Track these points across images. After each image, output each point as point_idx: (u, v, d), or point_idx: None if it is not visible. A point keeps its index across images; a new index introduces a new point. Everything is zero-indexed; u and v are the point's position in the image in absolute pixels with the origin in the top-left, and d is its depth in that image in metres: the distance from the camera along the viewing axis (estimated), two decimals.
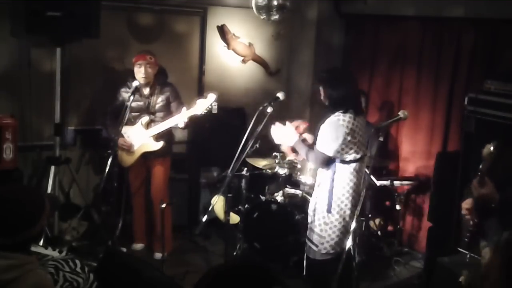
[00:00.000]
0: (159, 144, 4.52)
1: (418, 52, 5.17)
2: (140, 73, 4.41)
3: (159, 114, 4.54)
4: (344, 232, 3.64)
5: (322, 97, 3.72)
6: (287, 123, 3.90)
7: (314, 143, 3.79)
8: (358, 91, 3.88)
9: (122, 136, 4.55)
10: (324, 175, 3.71)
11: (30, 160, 4.82)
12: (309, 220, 3.81)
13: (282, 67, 6.05)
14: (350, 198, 3.61)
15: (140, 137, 4.54)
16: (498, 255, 1.77)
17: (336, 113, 3.59)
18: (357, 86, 3.90)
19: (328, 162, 3.61)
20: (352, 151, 3.59)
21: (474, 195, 2.95)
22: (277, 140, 3.87)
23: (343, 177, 3.63)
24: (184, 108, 4.37)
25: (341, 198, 3.63)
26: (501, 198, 2.86)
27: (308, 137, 4.02)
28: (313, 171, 4.68)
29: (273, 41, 5.92)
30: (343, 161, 3.60)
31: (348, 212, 3.62)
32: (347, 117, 3.55)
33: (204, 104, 4.32)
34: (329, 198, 3.64)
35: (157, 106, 4.53)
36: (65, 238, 4.67)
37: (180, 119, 4.36)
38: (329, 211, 3.63)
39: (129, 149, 4.57)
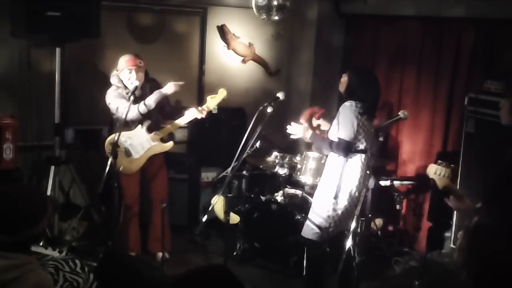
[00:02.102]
0: (170, 144, 4.49)
1: (418, 52, 5.17)
2: (132, 78, 4.25)
3: (155, 114, 4.46)
4: (347, 216, 3.83)
5: (342, 88, 3.90)
6: (302, 120, 4.03)
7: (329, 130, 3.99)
8: (378, 98, 3.97)
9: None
10: (334, 162, 3.85)
11: (30, 160, 4.81)
12: (314, 203, 3.95)
13: (282, 67, 6.05)
14: (358, 185, 3.81)
15: (145, 142, 4.42)
16: (466, 238, 1.79)
17: (349, 101, 3.76)
18: (379, 95, 3.98)
19: (347, 147, 3.74)
20: (363, 139, 3.76)
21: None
22: (294, 136, 4.01)
23: (354, 165, 3.80)
24: (193, 107, 4.41)
25: (349, 185, 3.81)
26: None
27: (323, 123, 4.16)
28: (313, 171, 4.69)
29: (273, 41, 5.92)
30: (355, 150, 3.77)
31: (354, 199, 3.82)
32: (359, 106, 3.72)
33: (215, 100, 4.39)
34: (338, 185, 3.81)
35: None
36: (65, 238, 4.67)
37: (192, 115, 4.39)
38: (336, 197, 3.79)
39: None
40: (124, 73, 4.28)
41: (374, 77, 4.03)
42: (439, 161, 3.27)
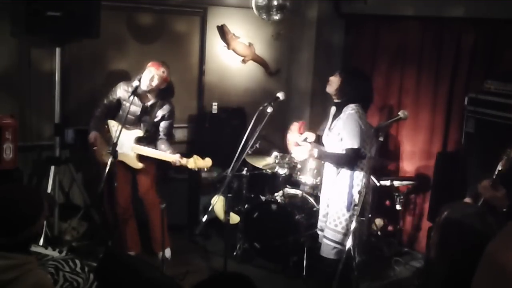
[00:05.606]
0: (139, 165, 4.44)
1: (418, 52, 5.17)
2: (146, 79, 4.28)
3: (151, 129, 4.47)
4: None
5: (335, 89, 3.86)
6: (298, 139, 3.94)
7: (317, 140, 3.97)
8: (373, 97, 4.02)
9: (98, 131, 4.51)
10: (341, 173, 3.82)
11: (30, 160, 4.82)
12: (329, 222, 3.88)
13: (282, 67, 6.05)
14: (363, 186, 3.75)
15: (125, 146, 4.40)
16: (437, 233, 1.80)
17: (351, 106, 3.73)
18: (373, 93, 4.03)
19: (358, 156, 3.74)
20: (368, 140, 3.76)
21: (484, 196, 2.91)
22: (300, 158, 3.95)
23: (359, 173, 3.79)
24: (178, 155, 4.29)
25: (356, 194, 3.76)
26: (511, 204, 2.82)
27: (309, 135, 4.11)
28: (313, 171, 4.69)
29: (273, 41, 5.92)
30: (362, 156, 3.75)
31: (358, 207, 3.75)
32: (361, 110, 3.74)
33: (198, 164, 4.27)
34: (348, 197, 3.78)
35: (154, 120, 4.44)
36: (65, 238, 4.67)
37: (170, 159, 4.29)
38: (348, 209, 3.77)
39: (92, 146, 4.53)
40: (145, 72, 4.33)
41: (367, 76, 4.06)
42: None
